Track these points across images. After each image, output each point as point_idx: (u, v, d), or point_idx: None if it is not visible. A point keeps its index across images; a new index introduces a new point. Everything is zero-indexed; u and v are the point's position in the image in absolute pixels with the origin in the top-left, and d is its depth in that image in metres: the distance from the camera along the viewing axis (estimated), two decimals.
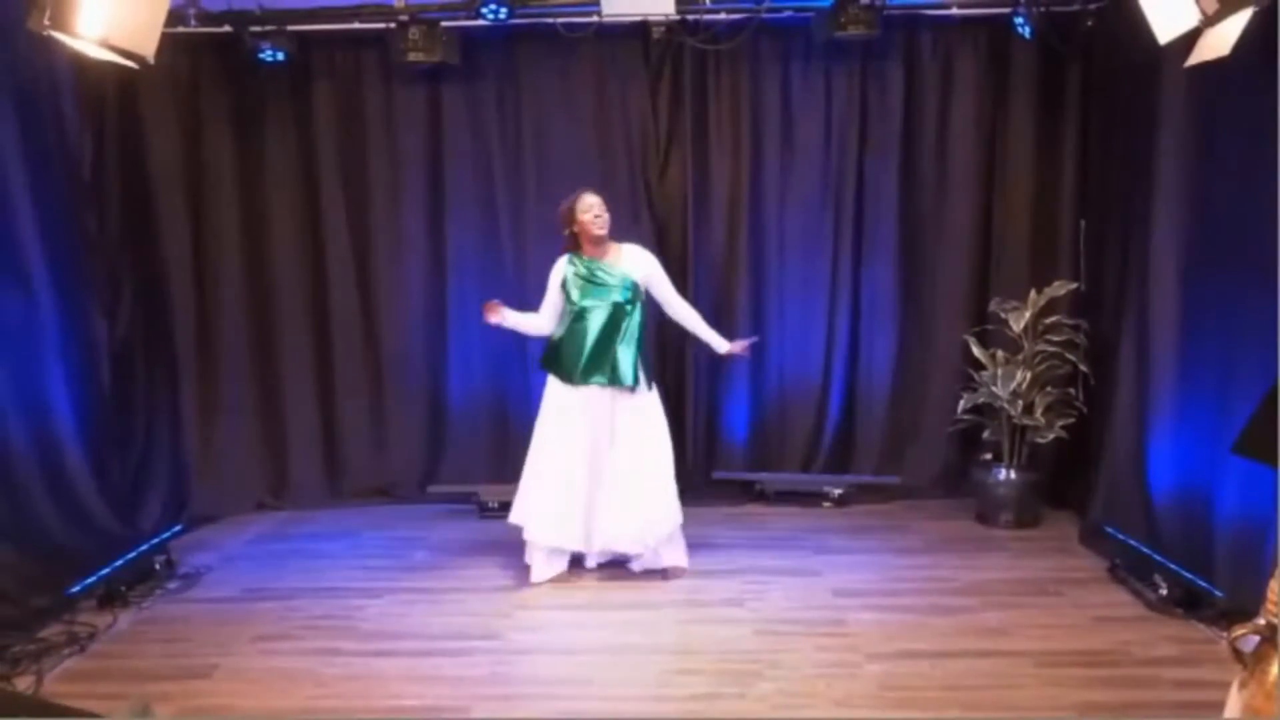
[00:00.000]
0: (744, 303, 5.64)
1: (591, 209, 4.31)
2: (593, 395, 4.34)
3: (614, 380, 4.31)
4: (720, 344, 4.53)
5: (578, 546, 4.41)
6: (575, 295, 4.34)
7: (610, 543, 4.38)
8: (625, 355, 4.31)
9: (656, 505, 4.36)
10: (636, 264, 4.41)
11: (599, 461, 4.35)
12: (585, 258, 4.36)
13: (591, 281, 4.33)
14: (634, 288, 4.36)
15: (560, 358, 4.37)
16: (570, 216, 4.35)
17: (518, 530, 4.41)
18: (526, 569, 4.49)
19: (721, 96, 5.52)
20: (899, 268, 5.62)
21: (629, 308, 4.34)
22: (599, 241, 4.35)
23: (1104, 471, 4.82)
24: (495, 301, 4.41)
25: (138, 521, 4.88)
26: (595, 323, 4.30)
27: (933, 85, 5.48)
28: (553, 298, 4.43)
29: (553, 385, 4.42)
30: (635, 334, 4.35)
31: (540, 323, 4.48)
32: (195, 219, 5.53)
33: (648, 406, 4.43)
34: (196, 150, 5.50)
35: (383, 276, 5.70)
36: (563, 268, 4.40)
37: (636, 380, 4.33)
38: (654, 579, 4.40)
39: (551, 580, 4.41)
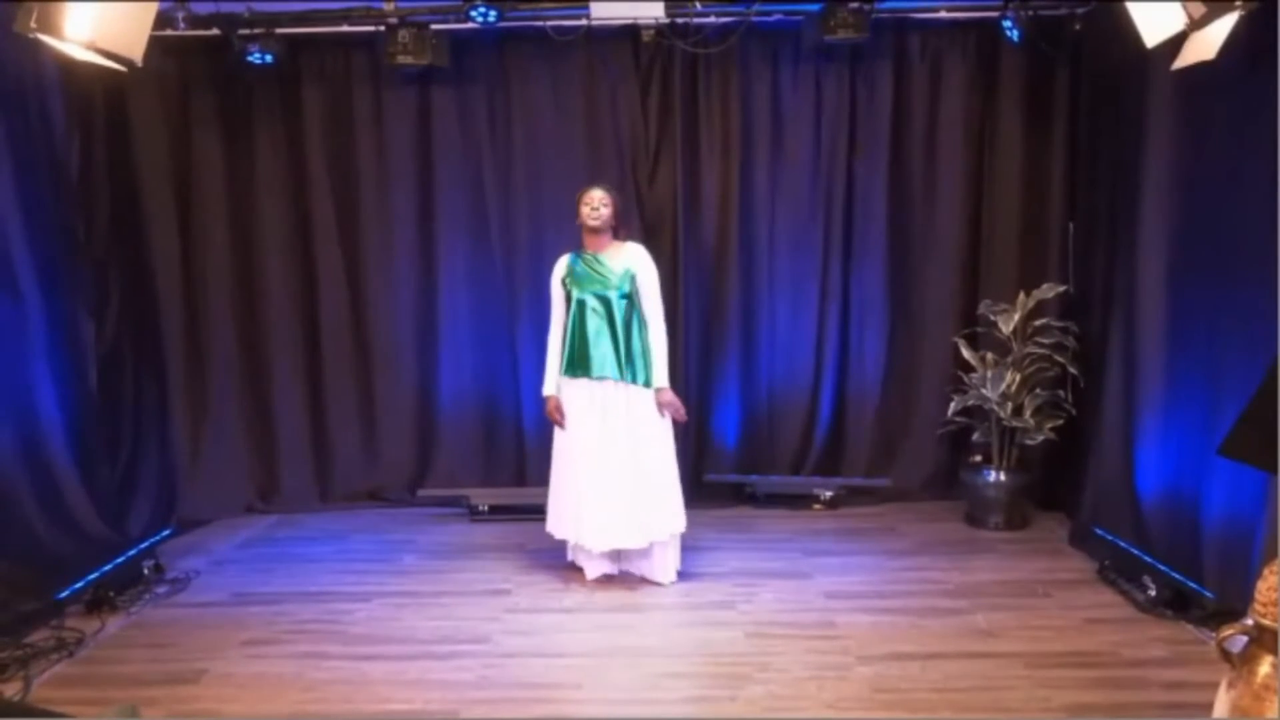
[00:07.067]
0: (734, 305, 5.63)
1: (590, 201, 4.26)
2: (596, 389, 4.26)
3: (617, 374, 4.23)
4: (659, 384, 4.27)
5: (583, 541, 4.30)
6: (573, 289, 4.29)
7: (613, 540, 4.26)
8: (627, 350, 4.24)
9: (661, 503, 4.27)
10: (634, 259, 4.32)
11: (605, 457, 4.24)
12: (585, 253, 4.34)
13: (589, 274, 4.29)
14: (632, 281, 4.29)
15: (565, 353, 4.31)
16: (577, 208, 4.33)
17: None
18: (516, 571, 4.50)
19: (711, 99, 5.51)
20: (888, 270, 5.63)
21: (627, 302, 4.28)
22: (593, 234, 4.30)
23: (1093, 473, 4.84)
24: (554, 405, 4.33)
25: (126, 526, 4.85)
26: (594, 316, 4.25)
27: (922, 88, 5.49)
28: (558, 299, 4.38)
29: (564, 384, 4.33)
30: (637, 329, 4.29)
31: (560, 335, 4.36)
32: (183, 221, 5.52)
33: (650, 404, 4.31)
34: (185, 153, 5.49)
35: (372, 279, 5.69)
36: (562, 265, 4.38)
37: (637, 375, 4.26)
38: (643, 582, 4.39)
39: (541, 583, 4.40)
